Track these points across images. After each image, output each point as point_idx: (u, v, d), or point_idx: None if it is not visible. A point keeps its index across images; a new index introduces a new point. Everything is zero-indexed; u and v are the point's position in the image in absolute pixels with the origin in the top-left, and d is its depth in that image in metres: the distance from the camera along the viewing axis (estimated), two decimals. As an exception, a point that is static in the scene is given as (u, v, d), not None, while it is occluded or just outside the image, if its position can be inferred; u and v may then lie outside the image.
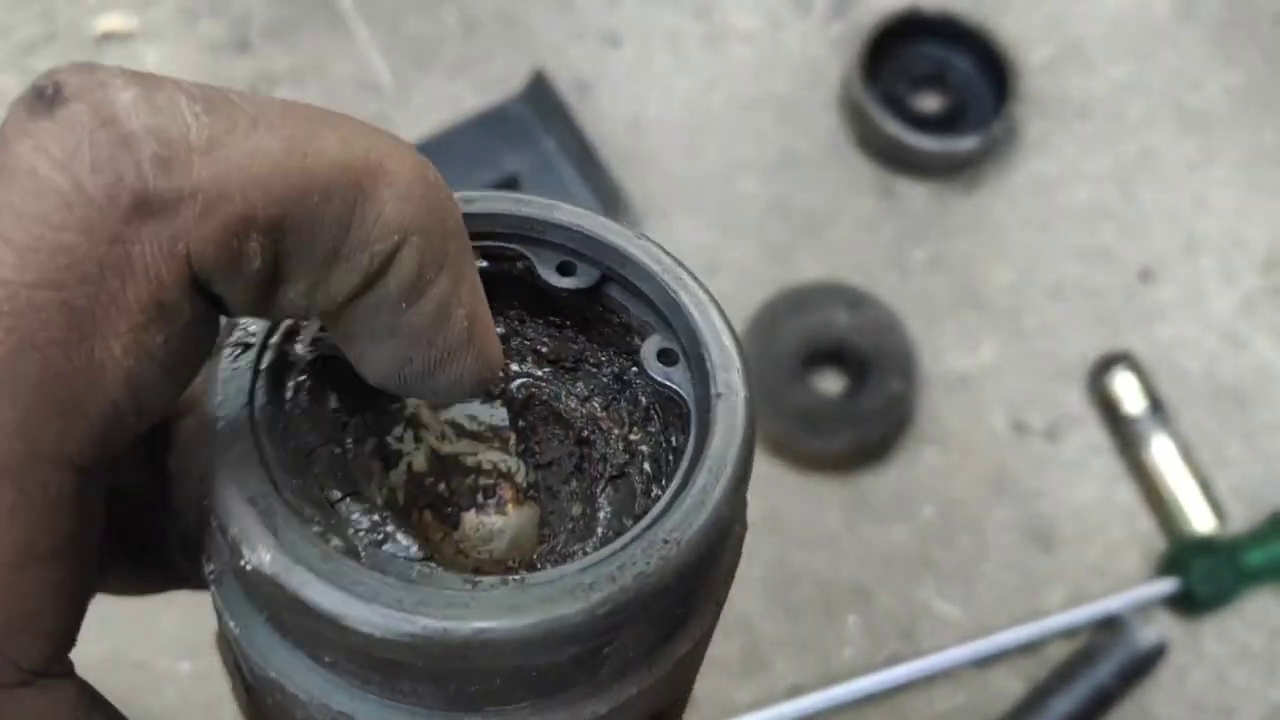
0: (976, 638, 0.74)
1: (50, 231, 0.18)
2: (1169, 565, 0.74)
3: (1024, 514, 0.78)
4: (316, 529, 0.20)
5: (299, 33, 0.91)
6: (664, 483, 0.24)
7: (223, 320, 0.20)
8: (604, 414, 0.26)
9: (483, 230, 0.25)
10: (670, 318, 0.25)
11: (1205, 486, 0.76)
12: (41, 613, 0.20)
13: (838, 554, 0.76)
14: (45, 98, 0.19)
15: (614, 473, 0.25)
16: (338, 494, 0.22)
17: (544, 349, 0.26)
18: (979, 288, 0.84)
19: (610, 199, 0.84)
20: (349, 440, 0.23)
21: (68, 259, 0.18)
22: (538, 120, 0.88)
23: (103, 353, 0.19)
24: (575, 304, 0.26)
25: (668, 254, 0.25)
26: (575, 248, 0.25)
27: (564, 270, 0.25)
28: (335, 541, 0.20)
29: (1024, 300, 0.83)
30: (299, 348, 0.23)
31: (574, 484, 0.26)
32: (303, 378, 0.23)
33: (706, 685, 0.73)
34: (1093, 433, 0.80)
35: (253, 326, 0.23)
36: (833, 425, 0.76)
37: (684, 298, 0.24)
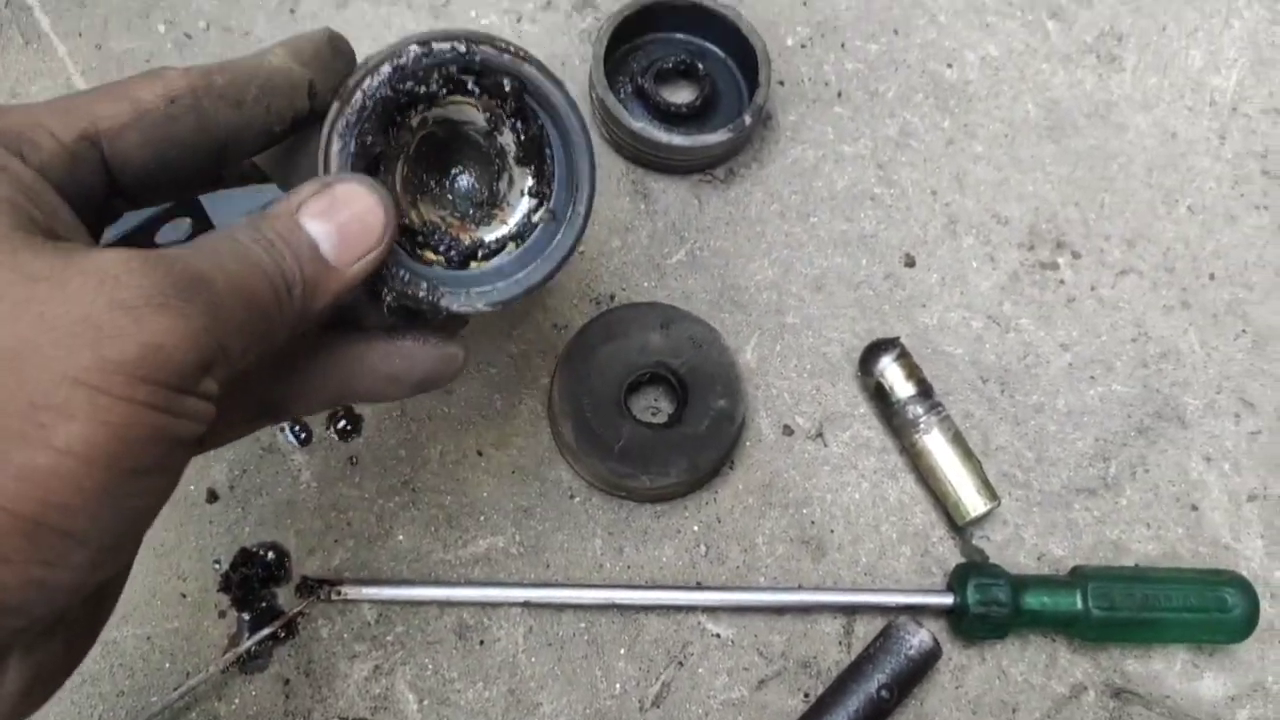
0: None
1: None
2: (950, 581, 0.72)
3: (795, 521, 0.75)
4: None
5: (-10, 55, 0.82)
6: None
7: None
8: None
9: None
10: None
11: (977, 468, 0.74)
12: None
13: (605, 579, 0.72)
14: None
15: (521, 155, 0.54)
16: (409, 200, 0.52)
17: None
18: (740, 285, 0.80)
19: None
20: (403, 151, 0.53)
21: None
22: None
23: None
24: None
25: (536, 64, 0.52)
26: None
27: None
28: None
29: (786, 295, 0.80)
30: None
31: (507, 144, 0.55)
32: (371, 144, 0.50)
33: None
34: (862, 430, 0.77)
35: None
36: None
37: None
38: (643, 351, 0.75)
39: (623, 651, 0.71)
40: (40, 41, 0.83)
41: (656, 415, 0.76)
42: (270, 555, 0.71)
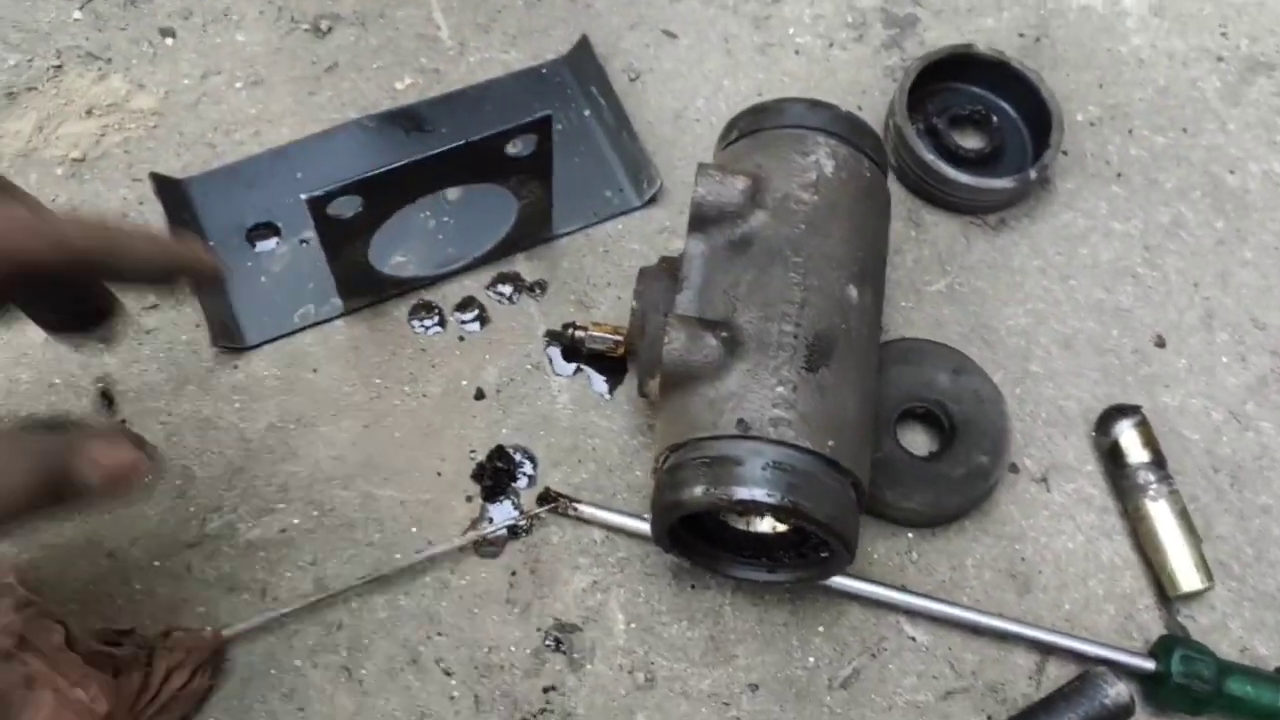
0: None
1: None
2: (1154, 648, 0.74)
3: (1005, 553, 0.77)
4: None
5: (365, -22, 0.92)
6: None
7: None
8: None
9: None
10: None
11: (1197, 546, 0.75)
12: None
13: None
14: None
15: None
16: None
17: None
18: (991, 325, 0.84)
19: (639, 173, 0.85)
20: None
21: None
22: (577, 85, 0.89)
23: None
24: None
25: None
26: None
27: None
28: None
29: (1034, 345, 0.83)
30: None
31: None
32: None
33: (670, 668, 0.71)
34: (1086, 486, 0.79)
35: None
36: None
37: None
38: (928, 387, 0.78)
39: (820, 629, 0.74)
40: (410, -24, 0.93)
41: (915, 448, 0.79)
42: (521, 458, 0.76)
